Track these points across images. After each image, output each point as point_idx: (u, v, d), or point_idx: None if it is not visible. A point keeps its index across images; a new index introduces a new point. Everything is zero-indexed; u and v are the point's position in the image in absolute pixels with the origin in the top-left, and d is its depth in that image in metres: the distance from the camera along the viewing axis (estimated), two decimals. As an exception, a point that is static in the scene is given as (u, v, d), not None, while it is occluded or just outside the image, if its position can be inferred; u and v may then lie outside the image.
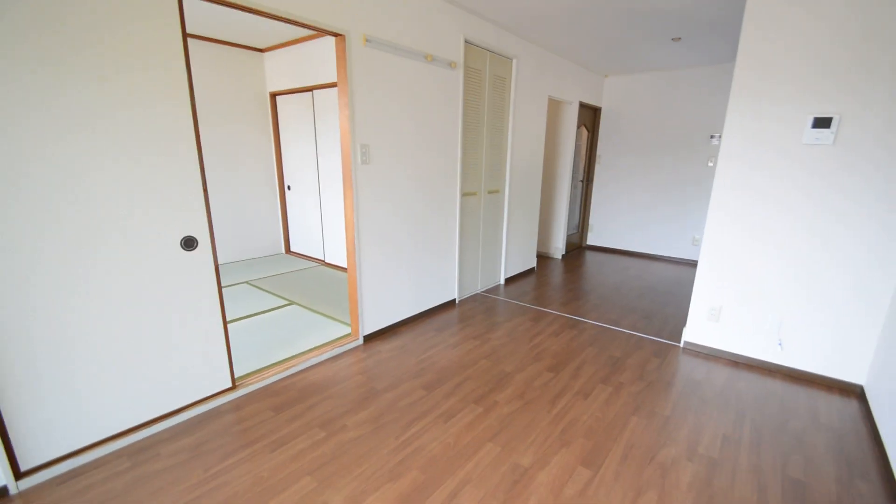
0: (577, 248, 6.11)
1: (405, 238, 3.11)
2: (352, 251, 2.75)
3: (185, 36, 1.81)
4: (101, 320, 1.74)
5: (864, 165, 2.27)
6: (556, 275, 4.75)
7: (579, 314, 3.55)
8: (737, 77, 2.52)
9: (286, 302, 3.59)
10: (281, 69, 4.60)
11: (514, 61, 3.86)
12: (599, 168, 5.89)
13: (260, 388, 2.33)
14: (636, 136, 5.49)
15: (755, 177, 2.55)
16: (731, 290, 2.74)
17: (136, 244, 1.79)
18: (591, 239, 6.14)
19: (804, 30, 2.29)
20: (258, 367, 2.48)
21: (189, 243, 1.94)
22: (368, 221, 2.80)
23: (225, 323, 2.14)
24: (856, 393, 2.45)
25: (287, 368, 2.48)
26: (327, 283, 4.16)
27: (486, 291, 4.11)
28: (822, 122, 2.31)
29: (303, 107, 4.56)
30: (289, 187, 5.08)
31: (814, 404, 2.32)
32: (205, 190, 1.97)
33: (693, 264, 5.28)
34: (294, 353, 2.65)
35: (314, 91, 4.37)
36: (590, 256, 5.67)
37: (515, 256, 4.54)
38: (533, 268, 4.94)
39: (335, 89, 4.14)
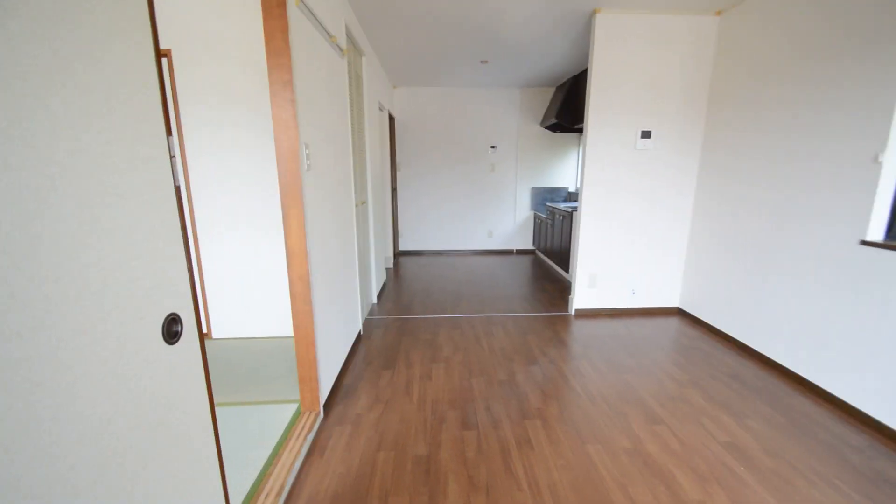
0: (394, 255, 6.13)
1: (335, 260, 2.43)
2: (304, 291, 1.94)
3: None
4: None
5: (668, 158, 3.37)
6: (406, 282, 4.68)
7: (486, 311, 3.67)
8: (590, 111, 3.24)
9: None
10: None
11: (364, 59, 3.55)
12: (401, 176, 6.09)
13: (268, 544, 1.38)
14: (428, 145, 5.98)
15: (611, 175, 3.37)
16: (600, 261, 3.52)
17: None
18: (402, 244, 6.31)
19: (629, 70, 3.20)
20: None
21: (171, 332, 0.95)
22: (317, 246, 2.05)
23: (220, 457, 1.16)
24: (675, 311, 3.64)
25: (279, 492, 1.55)
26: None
27: (368, 314, 3.65)
28: (645, 134, 3.29)
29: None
30: None
31: (659, 323, 3.32)
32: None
33: (491, 253, 6.26)
34: (262, 466, 1.67)
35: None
36: (411, 261, 5.83)
37: (378, 270, 4.21)
38: (385, 280, 4.69)
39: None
